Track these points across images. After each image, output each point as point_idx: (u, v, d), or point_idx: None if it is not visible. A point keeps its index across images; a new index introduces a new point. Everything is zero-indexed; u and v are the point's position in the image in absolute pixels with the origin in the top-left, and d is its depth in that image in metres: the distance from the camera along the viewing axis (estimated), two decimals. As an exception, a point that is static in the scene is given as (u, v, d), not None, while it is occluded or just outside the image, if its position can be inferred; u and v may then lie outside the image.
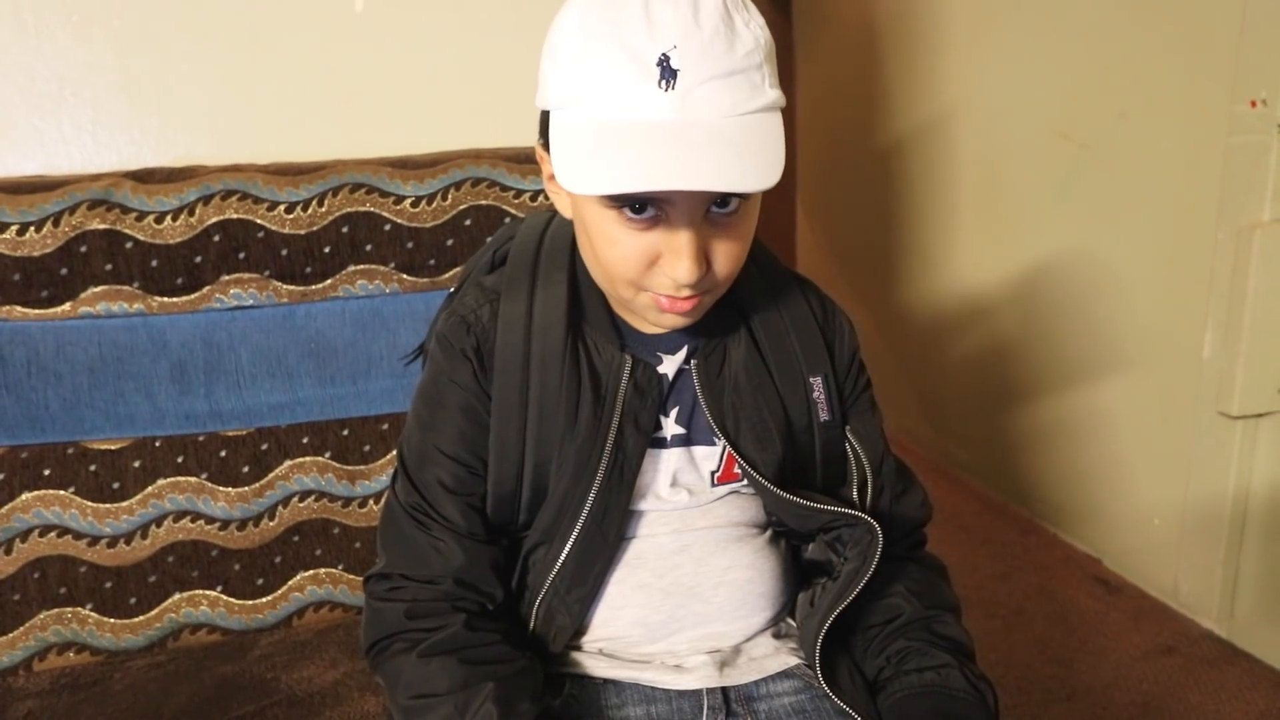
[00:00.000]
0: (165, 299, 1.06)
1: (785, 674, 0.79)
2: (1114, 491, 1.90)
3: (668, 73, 0.61)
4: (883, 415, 0.86)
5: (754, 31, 0.63)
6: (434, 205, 1.11)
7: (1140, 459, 1.82)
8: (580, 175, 0.63)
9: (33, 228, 1.01)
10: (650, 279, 0.68)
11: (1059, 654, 1.68)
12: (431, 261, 1.12)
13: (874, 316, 2.74)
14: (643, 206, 0.65)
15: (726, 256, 0.68)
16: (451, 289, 0.87)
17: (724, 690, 0.76)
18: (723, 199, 0.65)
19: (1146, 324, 1.75)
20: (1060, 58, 1.90)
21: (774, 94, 0.64)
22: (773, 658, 0.79)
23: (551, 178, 0.73)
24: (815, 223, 3.03)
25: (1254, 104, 1.48)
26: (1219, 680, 1.59)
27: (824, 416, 0.80)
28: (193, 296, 1.06)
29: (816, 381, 0.80)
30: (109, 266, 1.03)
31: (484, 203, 1.12)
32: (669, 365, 0.78)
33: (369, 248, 1.10)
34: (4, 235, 1.01)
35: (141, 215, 1.04)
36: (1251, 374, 1.53)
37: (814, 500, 0.76)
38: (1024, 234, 2.08)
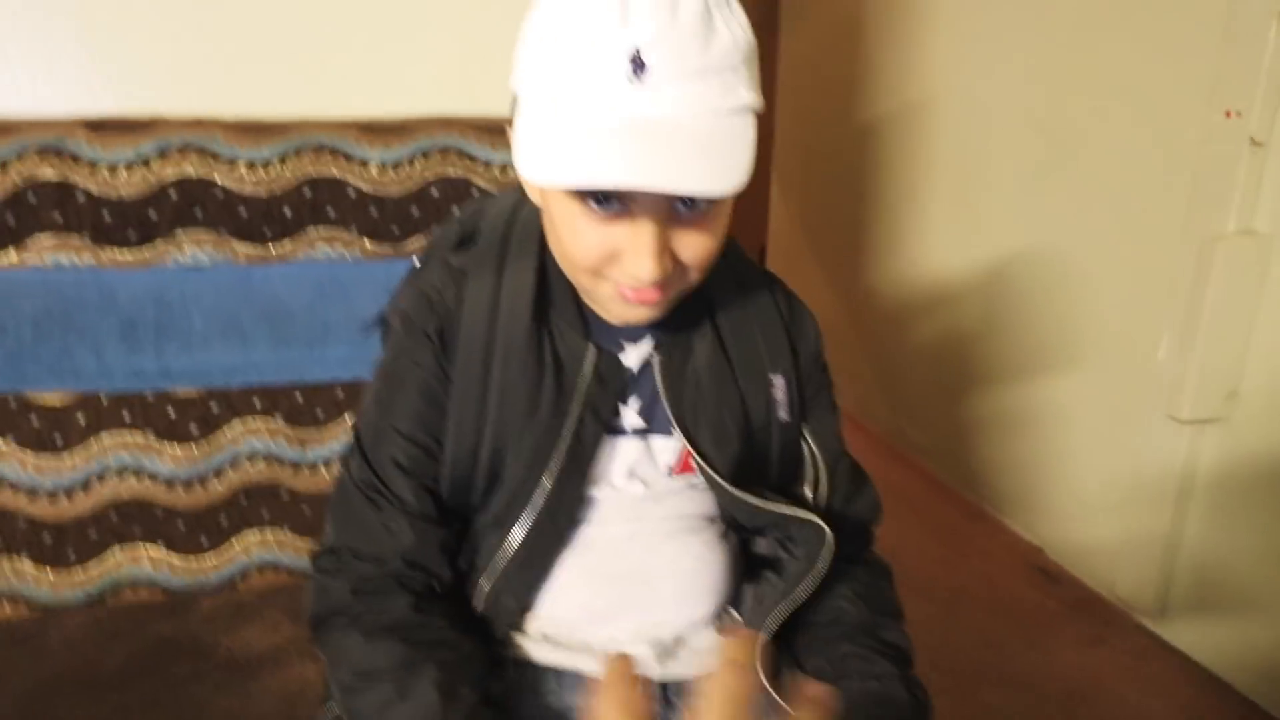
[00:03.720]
0: (116, 252, 1.03)
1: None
2: (1060, 484, 1.94)
3: (638, 66, 0.59)
4: (840, 415, 0.86)
5: (734, 31, 0.62)
6: (400, 173, 1.09)
7: (1088, 454, 1.86)
8: (537, 163, 0.62)
9: (-21, 173, 0.98)
10: (612, 271, 0.67)
11: (994, 639, 1.73)
12: (395, 230, 1.10)
13: (840, 296, 2.75)
14: (607, 199, 0.64)
15: (693, 254, 0.67)
16: (415, 261, 0.86)
17: (663, 684, 0.77)
18: (689, 199, 0.64)
19: (1106, 323, 1.78)
20: (1044, 53, 1.90)
21: (749, 96, 0.62)
22: (714, 652, 0.80)
23: None
24: (789, 200, 3.02)
25: (1229, 114, 1.49)
26: (1147, 673, 1.64)
27: (783, 416, 0.81)
28: (145, 253, 1.03)
29: (778, 380, 0.80)
30: (58, 216, 1.00)
31: (452, 173, 1.10)
32: (633, 356, 0.77)
33: (331, 212, 1.08)
34: (-52, 178, 0.98)
35: (95, 166, 1.01)
36: (1203, 380, 1.56)
37: (767, 500, 0.77)
38: (994, 225, 2.09)
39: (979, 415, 2.17)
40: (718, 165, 0.60)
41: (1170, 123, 1.60)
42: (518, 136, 0.64)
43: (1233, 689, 1.56)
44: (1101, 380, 1.80)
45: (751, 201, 3.02)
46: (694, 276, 0.70)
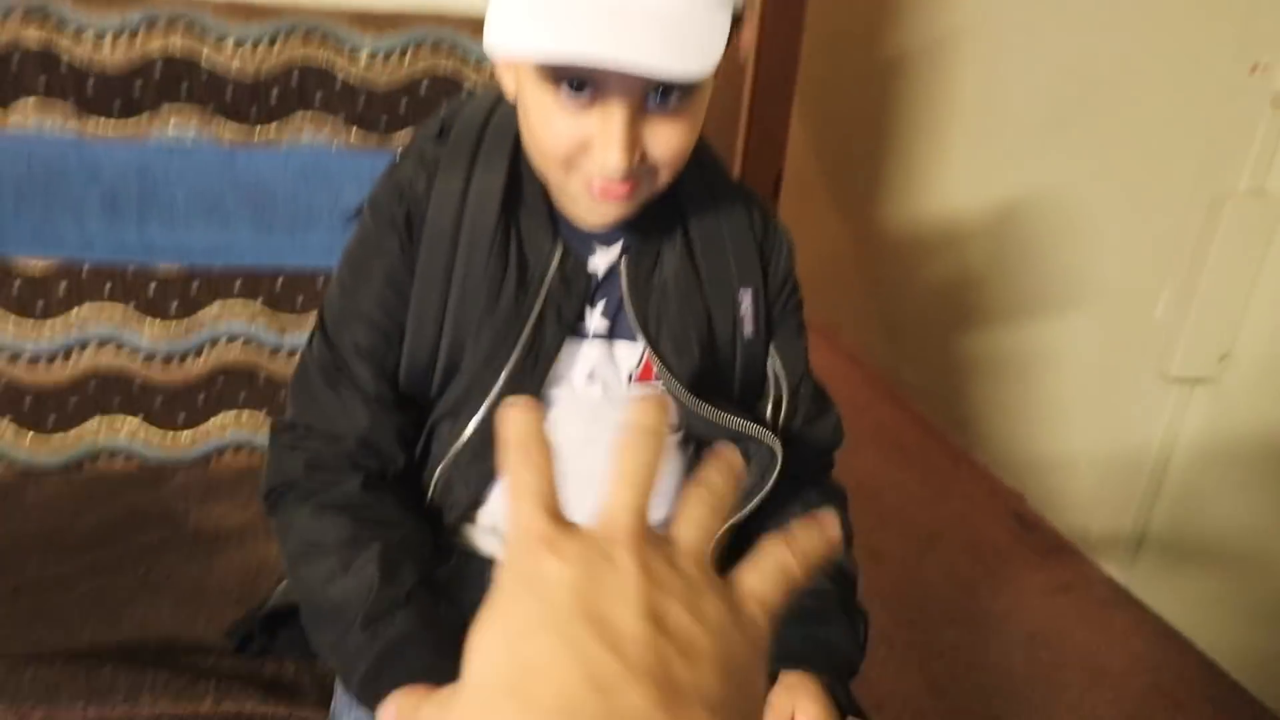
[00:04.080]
0: (101, 121, 1.03)
1: (661, 528, 0.81)
2: (1046, 432, 1.94)
3: None
4: (808, 339, 0.86)
5: None
6: (390, 63, 1.07)
7: (1077, 405, 1.86)
8: (506, 36, 0.61)
9: (-37, 31, 0.98)
10: (582, 162, 0.67)
11: (964, 580, 1.76)
12: (383, 121, 1.09)
13: (851, 229, 2.72)
14: (580, 86, 0.63)
15: (665, 149, 0.66)
16: (397, 155, 0.86)
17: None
18: (662, 91, 0.64)
19: (1107, 275, 1.76)
20: (1074, -9, 1.84)
21: None
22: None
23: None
24: (808, 128, 2.96)
25: (1254, 69, 1.44)
26: (1107, 621, 1.67)
27: (749, 332, 0.81)
28: (129, 124, 1.03)
29: (745, 295, 0.80)
30: (42, 82, 1.00)
31: (442, 68, 1.09)
32: (601, 260, 0.77)
33: (318, 98, 1.07)
34: (-68, 35, 0.97)
35: (80, 31, 1.00)
36: (1197, 339, 1.55)
37: (723, 411, 0.77)
38: (1010, 167, 2.05)
39: (973, 359, 2.16)
40: (687, 49, 0.59)
41: (1194, 75, 1.55)
42: (491, 13, 0.64)
43: (1192, 646, 1.58)
44: (1097, 333, 1.79)
45: (771, 127, 2.97)
46: (663, 177, 0.70)
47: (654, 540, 0.36)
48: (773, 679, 0.75)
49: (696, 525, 0.38)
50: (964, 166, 2.23)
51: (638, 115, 0.64)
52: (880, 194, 2.55)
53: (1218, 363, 1.55)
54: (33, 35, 0.98)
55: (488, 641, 0.33)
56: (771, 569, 0.38)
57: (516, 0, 0.61)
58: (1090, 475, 1.81)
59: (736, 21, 0.64)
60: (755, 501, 0.77)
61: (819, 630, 0.77)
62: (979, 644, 1.61)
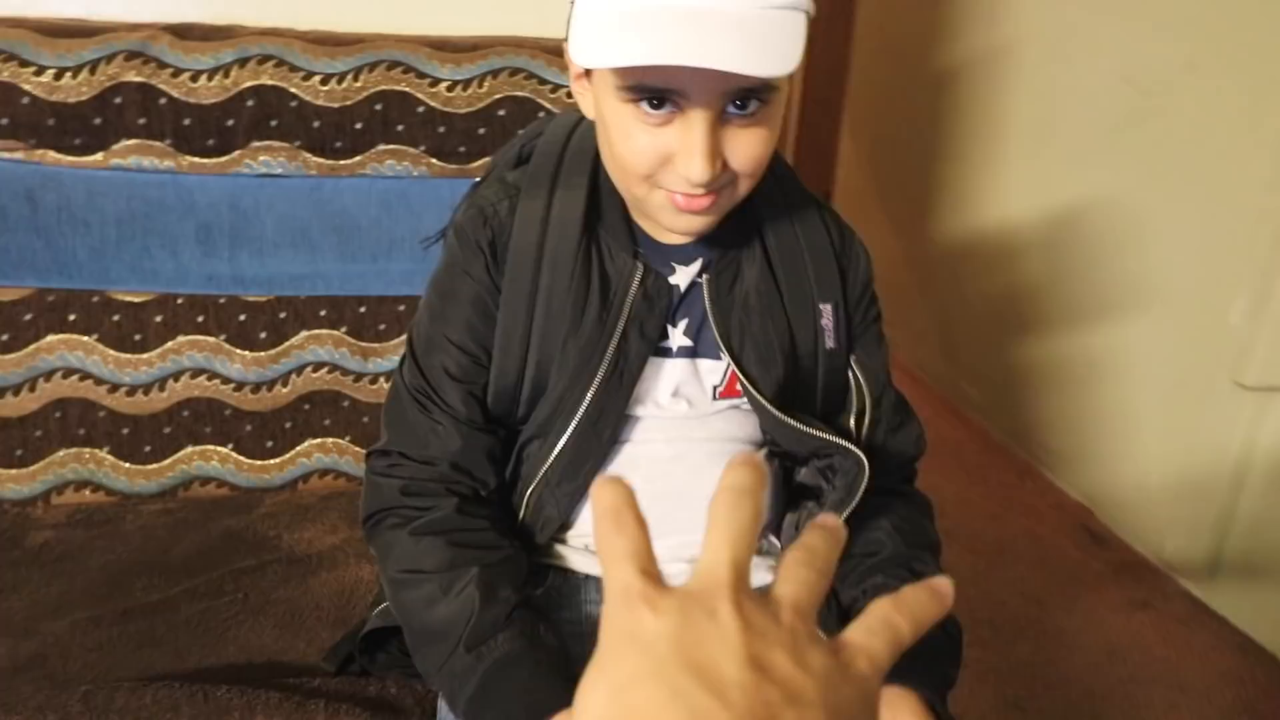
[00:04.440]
0: (195, 159, 1.06)
1: (760, 590, 0.81)
2: (1115, 445, 1.91)
3: None
4: (890, 349, 0.86)
5: None
6: (469, 91, 1.10)
7: (1147, 416, 1.82)
8: (595, 51, 0.64)
9: (69, 73, 1.01)
10: (664, 176, 0.68)
11: (1035, 595, 1.73)
12: (462, 148, 1.11)
13: (904, 243, 2.71)
14: (660, 102, 0.65)
15: (745, 157, 0.68)
16: (477, 179, 0.88)
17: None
18: (741, 100, 0.65)
19: (1176, 284, 1.73)
20: (1135, 3, 1.82)
21: None
22: (752, 574, 0.82)
23: (579, 77, 0.73)
24: (859, 142, 2.96)
25: (1326, 70, 1.42)
26: (1188, 637, 1.63)
27: (830, 344, 0.81)
28: (223, 159, 1.07)
29: (826, 309, 0.81)
30: (142, 121, 1.03)
31: (520, 94, 1.11)
32: (682, 277, 0.78)
33: (400, 128, 1.09)
34: (41, 78, 1.01)
35: (178, 71, 1.03)
36: (1274, 347, 1.52)
37: (808, 424, 0.78)
38: (1069, 178, 2.03)
39: (1035, 372, 2.14)
40: (767, 50, 0.61)
41: (1262, 79, 1.53)
42: (574, 33, 0.66)
43: (1277, 660, 1.54)
44: (1167, 342, 1.76)
45: (821, 141, 2.97)
46: (743, 187, 0.71)
47: (755, 596, 0.35)
48: None
49: (798, 583, 0.37)
50: (1021, 176, 2.21)
51: (717, 124, 0.66)
52: (934, 207, 2.54)
53: (1296, 371, 1.52)
54: (133, 77, 1.02)
55: (594, 696, 0.33)
56: (880, 627, 0.37)
57: (602, 16, 0.64)
58: (1163, 488, 1.78)
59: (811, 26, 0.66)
60: (844, 515, 0.77)
61: (916, 644, 0.77)
62: (1056, 661, 1.58)
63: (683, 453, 0.80)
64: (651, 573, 0.36)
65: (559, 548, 0.82)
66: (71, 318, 1.07)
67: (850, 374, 0.83)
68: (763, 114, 0.67)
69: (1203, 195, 1.67)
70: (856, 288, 0.83)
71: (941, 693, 0.76)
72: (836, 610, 0.81)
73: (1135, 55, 1.82)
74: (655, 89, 0.64)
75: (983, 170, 2.34)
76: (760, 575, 0.82)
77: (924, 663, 0.76)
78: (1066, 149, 2.04)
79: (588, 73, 0.72)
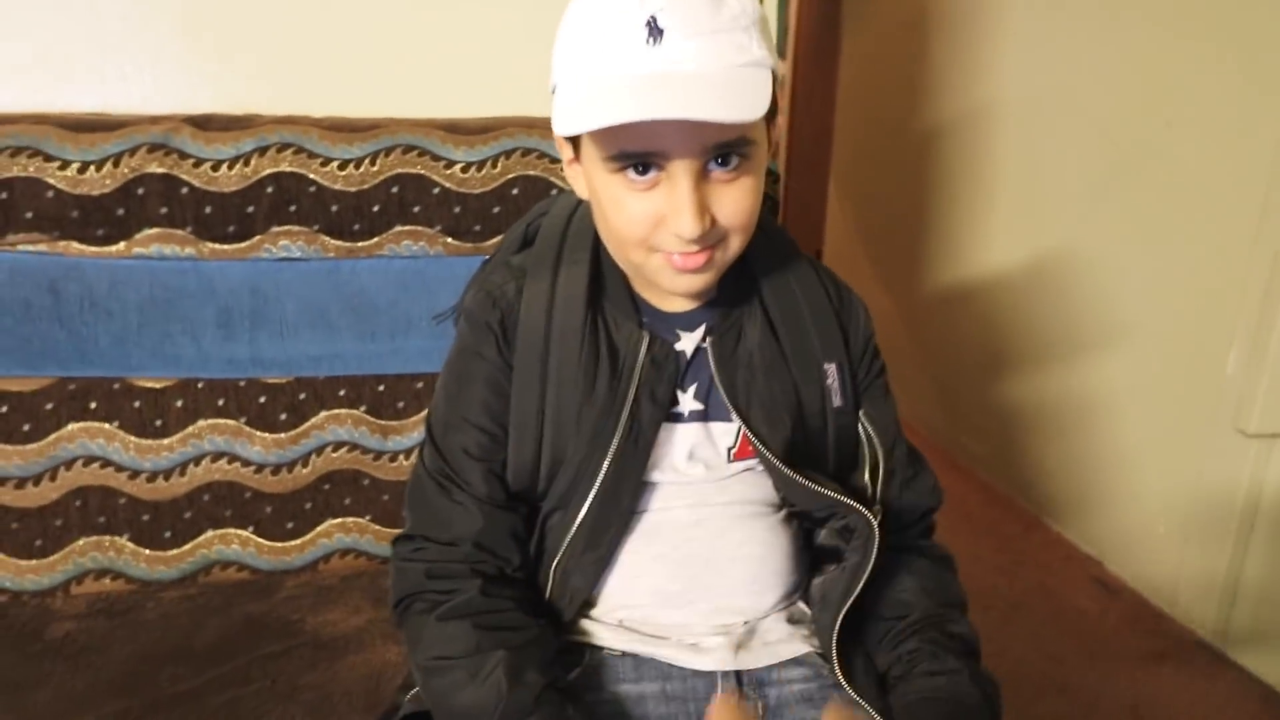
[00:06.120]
0: (216, 245, 1.08)
1: (796, 661, 0.81)
2: (1121, 495, 1.92)
3: (655, 31, 0.65)
4: (896, 401, 0.87)
5: (741, 1, 0.67)
6: (483, 172, 1.12)
7: (1150, 466, 1.84)
8: (567, 117, 0.67)
9: (93, 167, 1.03)
10: (658, 238, 0.71)
11: (1053, 651, 1.72)
12: (477, 227, 1.13)
13: (897, 301, 2.75)
14: (645, 167, 0.68)
15: (731, 211, 0.71)
16: (487, 258, 0.91)
17: (737, 673, 0.79)
18: (722, 156, 0.68)
19: (1170, 334, 1.76)
20: (1111, 59, 1.89)
21: (761, 53, 0.67)
22: (786, 643, 0.82)
23: (570, 162, 0.77)
24: (847, 203, 3.02)
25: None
26: (1208, 689, 1.62)
27: (837, 402, 0.83)
28: (243, 245, 1.08)
29: (830, 368, 0.83)
30: (164, 210, 1.05)
31: (532, 173, 1.13)
32: (687, 343, 0.80)
33: (416, 209, 1.11)
34: (65, 172, 1.03)
35: (199, 162, 1.05)
36: (1272, 393, 1.54)
37: (819, 483, 0.79)
38: (1056, 233, 2.08)
39: (1038, 425, 2.16)
40: (736, 101, 0.65)
41: (1243, 131, 1.58)
42: (554, 110, 0.70)
43: (1299, 708, 1.53)
44: (1166, 392, 1.79)
45: (809, 204, 3.03)
46: (735, 242, 0.74)
47: None
48: None
49: None
50: (1008, 232, 2.26)
51: (702, 181, 0.69)
52: (924, 264, 2.58)
53: (1297, 417, 1.54)
54: (156, 168, 1.04)
55: None
56: None
57: (580, 89, 0.68)
58: (1171, 537, 1.79)
59: (777, 82, 0.69)
60: (864, 578, 0.78)
61: (956, 710, 0.77)
62: (1078, 716, 1.57)
63: (704, 518, 0.81)
64: None
65: (593, 625, 0.82)
66: (92, 405, 1.07)
67: (860, 429, 0.85)
68: (744, 168, 0.70)
69: (1189, 247, 1.71)
70: (859, 344, 0.85)
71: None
72: (874, 673, 0.81)
73: (1113, 114, 1.87)
74: (638, 153, 0.68)
75: (970, 227, 2.38)
76: (794, 645, 0.82)
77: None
78: (1051, 205, 2.08)
79: (577, 155, 0.75)
